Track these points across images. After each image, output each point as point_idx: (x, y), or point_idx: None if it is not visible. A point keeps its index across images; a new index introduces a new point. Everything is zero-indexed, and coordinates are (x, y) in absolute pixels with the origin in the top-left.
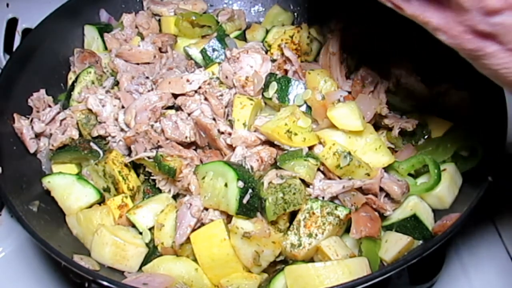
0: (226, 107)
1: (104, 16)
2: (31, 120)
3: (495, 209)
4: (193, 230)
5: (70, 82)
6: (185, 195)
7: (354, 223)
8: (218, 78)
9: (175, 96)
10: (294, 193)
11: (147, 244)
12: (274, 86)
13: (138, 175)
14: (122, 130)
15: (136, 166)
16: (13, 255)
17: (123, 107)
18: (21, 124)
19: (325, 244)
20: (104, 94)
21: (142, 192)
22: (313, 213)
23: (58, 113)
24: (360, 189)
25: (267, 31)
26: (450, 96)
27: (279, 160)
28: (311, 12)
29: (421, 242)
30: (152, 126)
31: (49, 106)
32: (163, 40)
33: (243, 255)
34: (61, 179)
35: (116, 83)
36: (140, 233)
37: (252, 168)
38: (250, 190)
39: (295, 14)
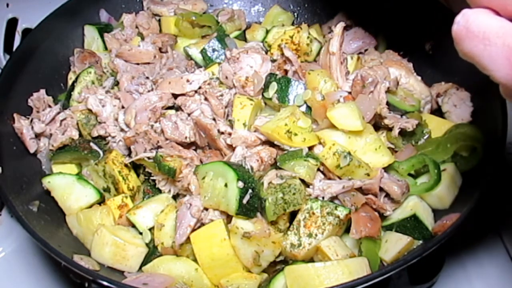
0: (226, 107)
1: (104, 16)
2: (31, 120)
3: (495, 209)
4: (193, 230)
5: (70, 82)
6: (185, 195)
7: (354, 223)
8: (218, 78)
9: (175, 96)
10: (294, 193)
11: (147, 244)
12: (274, 86)
13: (138, 175)
14: (122, 130)
15: (136, 166)
16: (13, 255)
17: (123, 107)
18: (21, 124)
19: (325, 244)
20: (104, 94)
21: (142, 192)
22: (313, 213)
23: (58, 113)
24: (360, 189)
25: (267, 31)
26: (450, 96)
27: (279, 160)
28: (311, 12)
29: (421, 242)
30: (152, 126)
31: (49, 106)
32: (163, 40)
33: (243, 255)
34: (61, 179)
35: (116, 83)
36: (140, 233)
37: (252, 168)
38: (250, 190)
39: (295, 14)
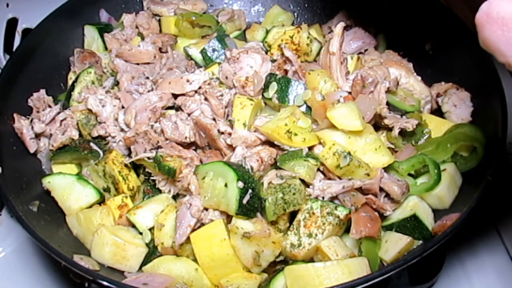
0: (226, 107)
1: (104, 16)
2: (31, 120)
3: (495, 209)
4: (193, 230)
5: (70, 82)
6: (185, 195)
7: (354, 223)
8: (218, 78)
9: (175, 96)
10: (294, 193)
11: (147, 244)
12: (274, 86)
13: (138, 175)
14: (122, 130)
15: (136, 166)
16: (13, 255)
17: (123, 107)
18: (21, 124)
19: (325, 244)
20: (104, 94)
21: (142, 192)
22: (313, 213)
23: (58, 113)
24: (360, 189)
25: (267, 31)
26: (450, 96)
27: (279, 160)
28: (311, 12)
29: (421, 242)
30: (152, 126)
31: (49, 106)
32: (163, 40)
33: (243, 255)
34: (61, 179)
35: (116, 83)
36: (140, 233)
37: (252, 168)
38: (250, 190)
39: (295, 14)
